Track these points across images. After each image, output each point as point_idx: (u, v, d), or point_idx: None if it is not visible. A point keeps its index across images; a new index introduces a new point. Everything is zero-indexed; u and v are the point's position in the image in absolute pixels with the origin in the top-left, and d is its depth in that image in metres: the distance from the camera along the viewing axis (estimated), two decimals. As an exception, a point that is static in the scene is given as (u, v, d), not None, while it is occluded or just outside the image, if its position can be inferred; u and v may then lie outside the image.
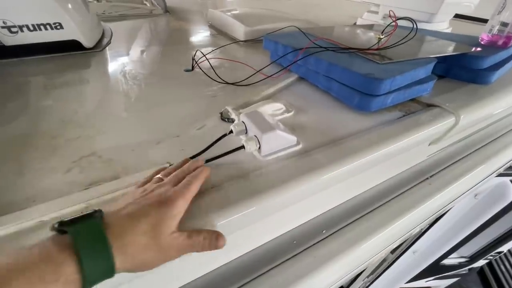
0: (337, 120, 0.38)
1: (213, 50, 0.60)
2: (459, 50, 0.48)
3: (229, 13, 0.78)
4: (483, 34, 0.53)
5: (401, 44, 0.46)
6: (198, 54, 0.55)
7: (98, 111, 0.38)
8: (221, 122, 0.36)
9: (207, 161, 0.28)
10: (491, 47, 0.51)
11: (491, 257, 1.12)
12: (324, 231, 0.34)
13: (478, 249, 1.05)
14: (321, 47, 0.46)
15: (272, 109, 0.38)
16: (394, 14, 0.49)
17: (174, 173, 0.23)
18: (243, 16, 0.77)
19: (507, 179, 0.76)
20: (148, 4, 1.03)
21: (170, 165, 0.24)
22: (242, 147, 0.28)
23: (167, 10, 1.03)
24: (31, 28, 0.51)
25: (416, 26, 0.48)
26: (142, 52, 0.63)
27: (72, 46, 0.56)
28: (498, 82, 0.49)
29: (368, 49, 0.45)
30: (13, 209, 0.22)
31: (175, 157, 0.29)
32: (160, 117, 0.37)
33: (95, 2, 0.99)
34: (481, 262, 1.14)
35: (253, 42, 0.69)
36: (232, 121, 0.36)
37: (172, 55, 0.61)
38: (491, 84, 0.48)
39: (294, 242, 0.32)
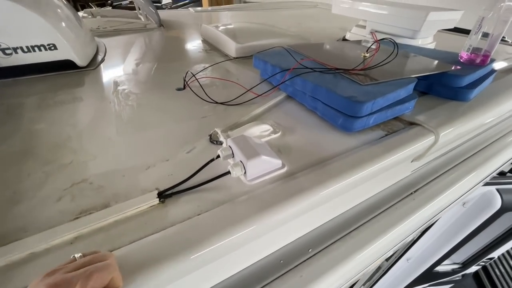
0: (322, 140, 0.39)
1: (205, 68, 0.62)
2: (439, 69, 0.51)
3: (221, 29, 0.81)
4: (462, 52, 0.55)
5: (384, 64, 0.48)
6: (189, 71, 0.57)
7: (91, 134, 0.39)
8: (210, 144, 0.38)
9: (195, 187, 0.29)
10: (470, 65, 0.54)
11: (483, 263, 1.14)
12: (310, 250, 0.35)
13: (469, 255, 1.07)
14: (307, 67, 0.47)
15: (259, 131, 0.40)
16: (375, 36, 0.52)
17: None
18: (235, 32, 0.79)
19: (493, 187, 0.78)
20: (142, 19, 1.05)
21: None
22: (228, 172, 0.30)
23: (161, 24, 1.05)
24: (25, 49, 0.52)
25: (398, 47, 0.50)
26: (135, 70, 0.64)
27: (66, 65, 0.58)
28: (477, 99, 0.52)
29: (353, 69, 0.47)
30: (5, 241, 0.23)
31: (163, 182, 0.30)
32: (151, 140, 0.38)
33: (90, 17, 1.00)
34: (473, 268, 1.16)
35: (245, 58, 0.71)
36: (221, 143, 0.37)
37: (165, 73, 0.62)
38: (470, 101, 0.51)
39: (281, 261, 0.33)
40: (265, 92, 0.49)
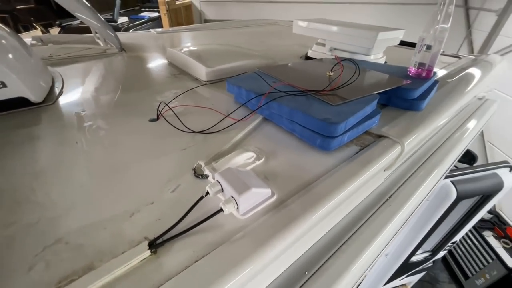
0: (304, 162, 0.41)
1: (177, 96, 0.61)
2: (394, 84, 0.57)
3: (188, 53, 0.80)
4: (410, 67, 0.63)
5: (349, 84, 0.53)
6: (162, 102, 0.55)
7: (58, 182, 0.35)
8: (195, 179, 0.37)
9: (187, 230, 0.28)
10: (418, 78, 0.61)
11: (449, 247, 1.26)
12: (306, 272, 0.36)
13: (437, 242, 1.18)
14: (281, 91, 0.50)
15: (243, 159, 0.40)
16: (338, 58, 0.56)
17: None
18: (203, 55, 0.80)
19: (448, 180, 0.88)
20: (101, 44, 1.00)
21: None
22: (221, 210, 0.29)
23: (122, 48, 1.01)
24: (-34, 90, 0.46)
25: (359, 68, 0.55)
26: (101, 101, 0.60)
27: (19, 103, 0.52)
28: (428, 107, 0.59)
29: (323, 90, 0.51)
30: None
31: (152, 229, 0.28)
32: (130, 181, 0.36)
33: (39, 44, 0.92)
34: (441, 253, 1.27)
35: (216, 81, 0.71)
36: (206, 177, 0.37)
37: (134, 103, 0.59)
38: (423, 110, 0.57)
39: (281, 290, 0.33)
40: (243, 118, 0.49)
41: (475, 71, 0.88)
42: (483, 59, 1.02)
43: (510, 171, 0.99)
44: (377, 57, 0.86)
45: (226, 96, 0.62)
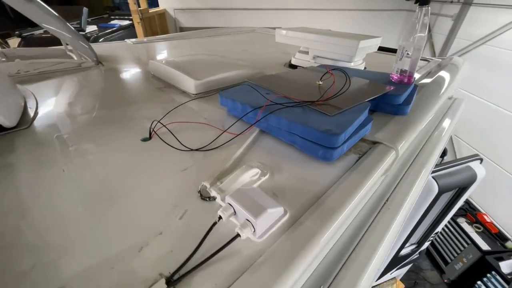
0: (308, 174, 0.41)
1: (168, 112, 0.58)
2: (381, 90, 0.60)
3: (173, 65, 0.78)
4: (393, 74, 0.67)
5: (341, 94, 0.54)
6: (155, 120, 0.52)
7: (49, 219, 0.32)
8: (202, 202, 0.35)
9: (204, 261, 0.26)
10: (400, 84, 0.65)
11: (432, 238, 1.34)
12: (322, 286, 0.35)
13: (422, 234, 1.25)
14: (277, 103, 0.50)
15: (249, 176, 0.39)
16: (328, 68, 0.58)
17: None
18: (188, 67, 0.78)
19: (430, 176, 0.94)
20: (74, 57, 0.93)
21: None
22: (238, 235, 0.28)
23: (99, 61, 0.95)
24: None
25: (349, 77, 0.57)
26: (83, 121, 0.56)
27: (-12, 129, 0.46)
28: (412, 111, 0.63)
29: (318, 101, 0.52)
30: None
31: (165, 263, 0.26)
32: (132, 211, 0.33)
33: (4, 60, 0.84)
34: (426, 245, 1.35)
35: (206, 94, 0.69)
36: (214, 199, 0.35)
37: (121, 121, 0.56)
38: (408, 114, 0.61)
39: (300, 310, 0.33)
40: (242, 132, 0.49)
41: (445, 74, 0.95)
42: (449, 62, 1.11)
43: (480, 163, 1.08)
44: (357, 63, 0.90)
45: (219, 110, 0.61)
